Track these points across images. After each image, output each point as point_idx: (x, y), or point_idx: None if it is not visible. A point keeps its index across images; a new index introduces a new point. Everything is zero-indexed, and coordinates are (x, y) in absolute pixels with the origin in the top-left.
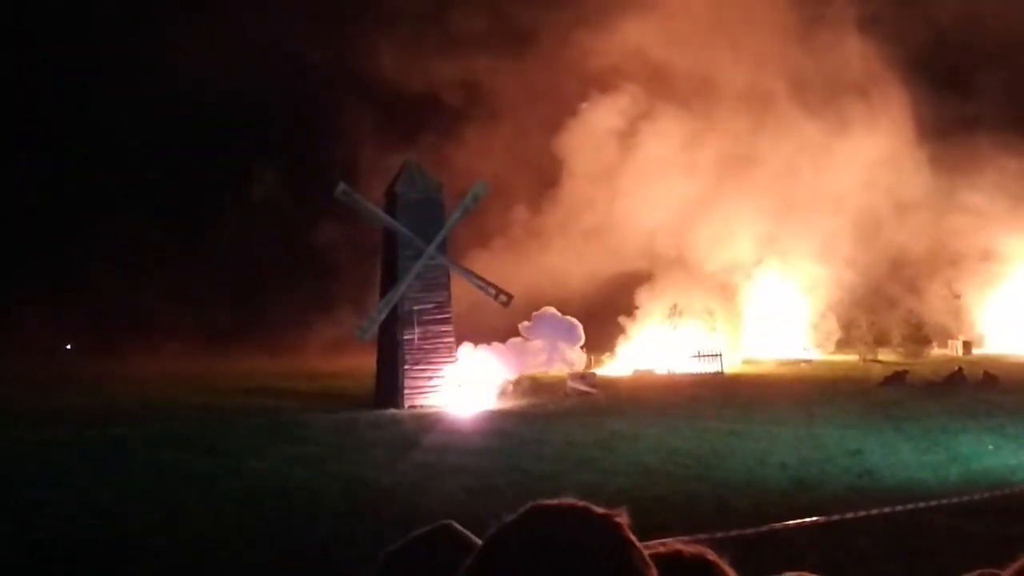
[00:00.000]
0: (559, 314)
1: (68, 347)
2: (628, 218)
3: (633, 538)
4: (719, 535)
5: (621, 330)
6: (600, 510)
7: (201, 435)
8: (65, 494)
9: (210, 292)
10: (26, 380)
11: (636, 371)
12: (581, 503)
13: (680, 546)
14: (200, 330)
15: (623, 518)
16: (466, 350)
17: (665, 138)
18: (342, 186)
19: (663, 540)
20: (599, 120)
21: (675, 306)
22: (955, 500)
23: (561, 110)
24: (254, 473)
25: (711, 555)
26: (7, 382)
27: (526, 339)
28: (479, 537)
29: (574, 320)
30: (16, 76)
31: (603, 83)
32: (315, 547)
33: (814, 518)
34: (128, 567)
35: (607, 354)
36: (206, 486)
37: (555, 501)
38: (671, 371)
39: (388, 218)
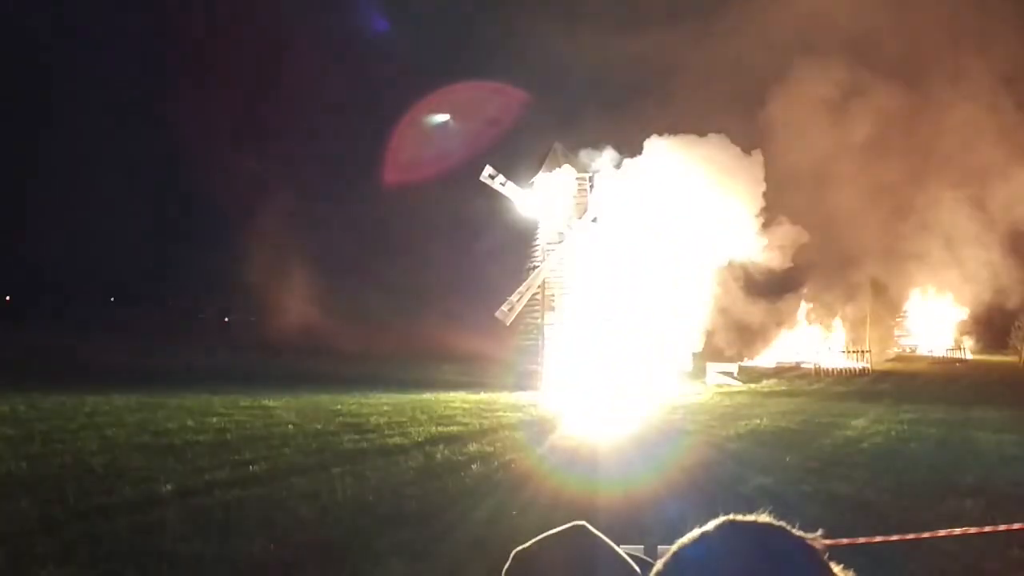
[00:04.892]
0: None
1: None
2: (831, 205)
3: (829, 564)
4: (861, 541)
5: (783, 321)
6: (797, 532)
7: (349, 409)
8: (223, 457)
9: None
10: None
11: (779, 363)
12: (777, 523)
13: None
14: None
15: (819, 543)
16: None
17: (872, 123)
18: (488, 169)
19: None
20: (805, 92)
21: (824, 302)
22: None
23: (754, 83)
24: (398, 449)
25: None
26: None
27: None
28: (611, 538)
29: None
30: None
31: (804, 52)
32: (460, 527)
33: (965, 528)
34: (281, 532)
35: (761, 344)
36: (355, 460)
37: (750, 518)
38: (817, 365)
39: (532, 202)
